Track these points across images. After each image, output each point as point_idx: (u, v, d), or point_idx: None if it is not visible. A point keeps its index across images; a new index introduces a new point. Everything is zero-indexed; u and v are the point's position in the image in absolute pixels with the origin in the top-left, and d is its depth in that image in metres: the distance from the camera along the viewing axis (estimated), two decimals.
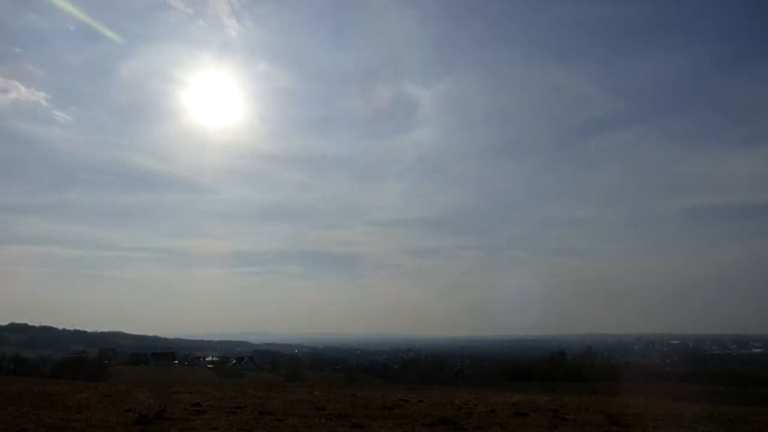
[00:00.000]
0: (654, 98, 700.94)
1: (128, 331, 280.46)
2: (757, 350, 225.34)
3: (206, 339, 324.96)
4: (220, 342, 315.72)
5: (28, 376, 53.96)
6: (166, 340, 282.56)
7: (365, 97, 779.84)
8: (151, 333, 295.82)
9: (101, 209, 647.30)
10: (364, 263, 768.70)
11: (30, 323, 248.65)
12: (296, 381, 68.82)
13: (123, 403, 17.32)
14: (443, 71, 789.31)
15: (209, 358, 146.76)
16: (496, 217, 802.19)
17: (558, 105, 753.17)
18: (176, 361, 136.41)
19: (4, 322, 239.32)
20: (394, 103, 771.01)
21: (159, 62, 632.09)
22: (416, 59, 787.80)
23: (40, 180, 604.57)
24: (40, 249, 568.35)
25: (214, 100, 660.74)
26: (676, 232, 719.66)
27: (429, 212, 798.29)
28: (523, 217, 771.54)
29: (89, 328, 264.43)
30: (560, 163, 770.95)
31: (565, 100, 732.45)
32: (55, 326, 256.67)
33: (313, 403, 18.54)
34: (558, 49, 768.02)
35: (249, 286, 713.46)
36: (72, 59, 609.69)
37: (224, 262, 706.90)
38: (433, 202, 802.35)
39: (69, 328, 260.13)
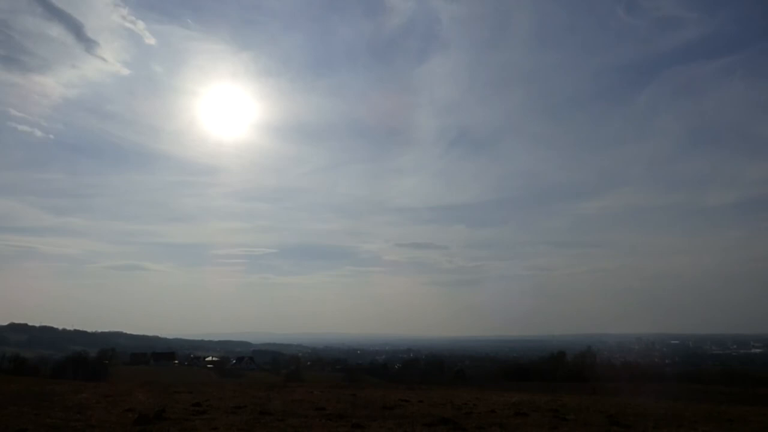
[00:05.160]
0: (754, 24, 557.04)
1: (128, 331, 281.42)
2: (757, 350, 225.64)
3: (206, 339, 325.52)
4: (220, 342, 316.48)
5: (28, 376, 53.91)
6: (166, 340, 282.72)
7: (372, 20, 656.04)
8: (151, 333, 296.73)
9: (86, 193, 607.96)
10: (366, 261, 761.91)
11: (30, 323, 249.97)
12: (296, 381, 68.79)
13: (123, 403, 17.33)
14: None
15: (209, 358, 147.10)
16: (508, 209, 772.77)
17: (626, 30, 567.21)
18: (176, 361, 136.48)
19: (4, 322, 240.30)
20: (408, 26, 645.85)
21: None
22: None
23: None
24: (38, 248, 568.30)
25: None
26: (691, 230, 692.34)
27: (438, 203, 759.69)
28: (539, 211, 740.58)
29: (89, 328, 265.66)
30: (606, 130, 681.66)
31: (637, 25, 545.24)
32: (55, 326, 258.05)
33: (313, 403, 18.52)
34: None
35: (249, 285, 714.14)
36: None
37: (223, 260, 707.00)
38: (444, 194, 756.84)
39: (69, 328, 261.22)
